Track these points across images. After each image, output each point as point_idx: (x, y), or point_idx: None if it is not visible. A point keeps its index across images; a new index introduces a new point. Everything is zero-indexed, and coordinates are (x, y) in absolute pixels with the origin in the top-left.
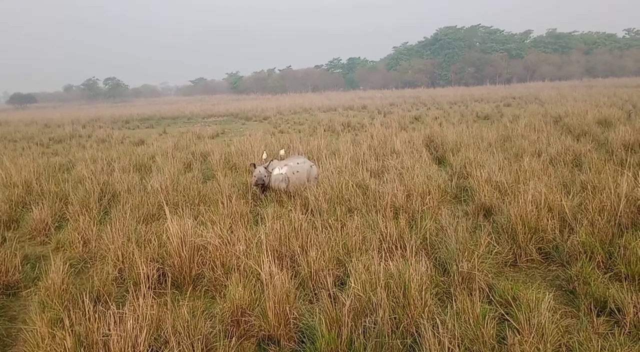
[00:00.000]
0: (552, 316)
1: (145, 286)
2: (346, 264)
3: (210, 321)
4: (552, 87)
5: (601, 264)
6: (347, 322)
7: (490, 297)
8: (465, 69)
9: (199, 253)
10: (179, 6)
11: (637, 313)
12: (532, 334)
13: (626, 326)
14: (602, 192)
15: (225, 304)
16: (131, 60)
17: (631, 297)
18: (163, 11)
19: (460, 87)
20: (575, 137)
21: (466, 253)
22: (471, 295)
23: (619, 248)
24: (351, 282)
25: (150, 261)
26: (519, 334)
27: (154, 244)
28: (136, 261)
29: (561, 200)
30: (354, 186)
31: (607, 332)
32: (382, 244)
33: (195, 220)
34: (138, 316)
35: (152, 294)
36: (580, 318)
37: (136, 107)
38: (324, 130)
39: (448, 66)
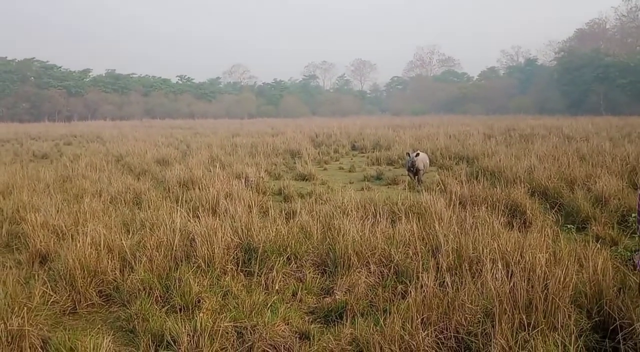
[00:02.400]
0: None
1: None
2: None
3: None
4: (114, 126)
5: (159, 298)
6: None
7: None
8: (19, 105)
9: None
10: None
11: (190, 341)
12: None
13: None
14: (159, 228)
15: None
16: None
17: (184, 327)
18: None
19: (14, 124)
20: (136, 175)
21: (17, 308)
22: None
23: (175, 281)
24: None
25: None
26: None
27: None
28: None
29: (121, 239)
30: None
31: None
32: None
33: None
34: None
35: None
36: None
37: None
38: None
39: None
